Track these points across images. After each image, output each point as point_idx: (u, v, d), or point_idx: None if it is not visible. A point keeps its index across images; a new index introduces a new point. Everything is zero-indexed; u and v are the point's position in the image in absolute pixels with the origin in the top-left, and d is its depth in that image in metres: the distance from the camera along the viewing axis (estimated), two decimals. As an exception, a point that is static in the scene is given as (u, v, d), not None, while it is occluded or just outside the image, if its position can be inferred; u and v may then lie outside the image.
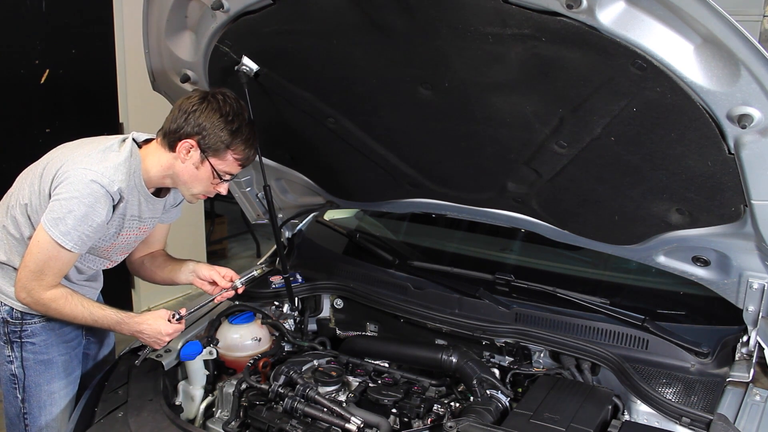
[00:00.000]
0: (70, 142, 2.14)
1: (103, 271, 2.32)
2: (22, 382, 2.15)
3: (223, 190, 2.14)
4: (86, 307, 2.07)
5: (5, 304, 2.10)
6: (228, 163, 2.05)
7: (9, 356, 2.14)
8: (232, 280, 2.29)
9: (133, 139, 2.10)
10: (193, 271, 2.34)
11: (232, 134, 2.01)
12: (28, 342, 2.13)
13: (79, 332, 2.27)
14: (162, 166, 2.07)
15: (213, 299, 2.28)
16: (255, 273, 2.32)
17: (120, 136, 2.12)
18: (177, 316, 2.13)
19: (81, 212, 1.93)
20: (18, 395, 2.16)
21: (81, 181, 1.93)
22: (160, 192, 2.20)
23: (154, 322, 2.11)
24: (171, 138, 2.03)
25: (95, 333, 2.39)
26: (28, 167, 2.13)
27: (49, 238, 1.94)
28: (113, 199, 1.98)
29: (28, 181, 2.07)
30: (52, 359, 2.17)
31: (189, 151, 2.02)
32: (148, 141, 2.12)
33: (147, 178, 2.09)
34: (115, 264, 2.28)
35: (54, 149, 2.13)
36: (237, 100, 2.04)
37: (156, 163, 2.08)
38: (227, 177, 2.10)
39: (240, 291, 2.30)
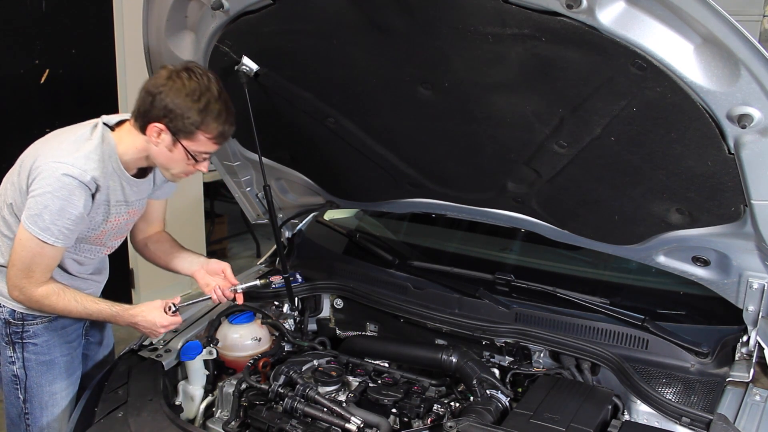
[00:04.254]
0: (45, 135, 2.09)
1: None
2: (23, 382, 2.14)
3: (203, 168, 2.06)
4: (80, 302, 2.05)
5: (6, 306, 2.10)
6: (201, 143, 1.97)
7: (11, 357, 2.13)
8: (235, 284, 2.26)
9: (105, 124, 2.04)
10: (200, 264, 2.29)
11: (201, 113, 1.90)
12: (30, 343, 2.13)
13: (80, 332, 2.26)
14: (137, 148, 2.02)
15: (210, 297, 2.25)
16: (257, 283, 2.28)
17: (92, 122, 2.06)
18: (173, 308, 2.10)
19: (56, 206, 1.90)
20: (20, 395, 2.15)
21: (52, 175, 1.90)
22: (146, 172, 2.15)
23: (149, 314, 2.08)
24: (140, 121, 1.97)
25: (94, 333, 2.39)
26: (12, 166, 2.10)
27: (30, 236, 1.93)
28: (89, 189, 1.94)
29: (10, 180, 2.06)
30: (54, 360, 2.17)
31: (159, 135, 1.95)
32: (122, 122, 2.06)
33: (125, 161, 2.03)
34: (113, 249, 2.25)
35: (31, 144, 2.09)
36: (205, 73, 1.94)
37: (131, 145, 2.02)
38: (204, 156, 2.02)
39: (238, 297, 2.25)
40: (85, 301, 2.07)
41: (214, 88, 1.92)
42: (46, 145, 2.02)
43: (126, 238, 2.31)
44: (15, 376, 2.14)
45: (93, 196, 1.97)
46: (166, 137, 1.95)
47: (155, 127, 1.94)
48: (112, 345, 2.52)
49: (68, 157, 1.93)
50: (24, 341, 2.12)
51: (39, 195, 1.91)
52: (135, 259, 4.76)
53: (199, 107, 1.90)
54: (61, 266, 2.11)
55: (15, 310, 2.09)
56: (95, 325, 2.37)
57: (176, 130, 1.93)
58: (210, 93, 1.91)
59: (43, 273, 2.00)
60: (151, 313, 2.09)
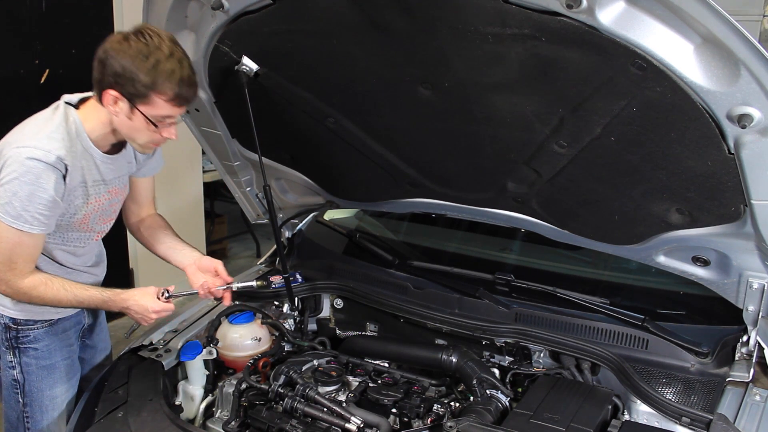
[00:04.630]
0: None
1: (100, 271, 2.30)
2: (24, 386, 2.12)
3: (171, 135, 1.97)
4: (69, 290, 2.00)
5: (5, 315, 2.08)
6: (159, 106, 1.86)
7: (11, 362, 2.11)
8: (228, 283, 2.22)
9: (68, 103, 1.97)
10: (192, 259, 2.24)
11: (150, 73, 1.80)
12: (30, 348, 2.11)
13: (78, 335, 2.25)
14: (102, 122, 1.95)
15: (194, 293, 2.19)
16: (254, 284, 2.24)
17: (54, 104, 2.00)
18: (166, 294, 2.06)
19: (25, 192, 1.84)
20: (20, 399, 2.13)
21: (17, 161, 1.84)
22: (120, 147, 2.08)
23: (141, 299, 2.04)
24: (97, 92, 1.89)
25: (91, 336, 2.36)
26: None
27: (5, 226, 1.87)
28: (57, 169, 1.87)
29: None
30: (55, 364, 2.15)
31: (116, 103, 1.86)
32: (86, 100, 2.00)
33: (94, 138, 1.97)
34: (103, 234, 2.19)
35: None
36: (157, 33, 1.84)
37: (96, 120, 1.96)
38: (168, 121, 1.93)
39: (225, 296, 2.21)
40: (75, 288, 2.02)
41: (165, 47, 1.83)
42: (12, 134, 1.96)
43: (115, 221, 2.23)
44: (15, 381, 2.12)
45: (64, 177, 1.90)
46: (123, 105, 1.87)
47: (110, 94, 1.86)
48: (109, 349, 2.49)
49: (31, 140, 1.87)
50: (24, 346, 2.10)
51: (7, 183, 1.86)
52: (135, 259, 4.76)
53: (147, 68, 1.80)
54: (55, 260, 2.08)
55: (14, 318, 2.08)
56: (93, 329, 2.36)
57: (130, 95, 1.84)
58: (160, 52, 1.82)
59: (26, 263, 1.95)
60: (144, 297, 2.04)
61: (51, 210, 1.91)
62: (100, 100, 1.90)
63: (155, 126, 1.91)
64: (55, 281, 2.01)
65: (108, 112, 1.91)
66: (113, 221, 2.22)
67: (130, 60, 1.80)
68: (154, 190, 2.38)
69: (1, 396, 2.20)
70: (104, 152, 2.03)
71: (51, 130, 1.91)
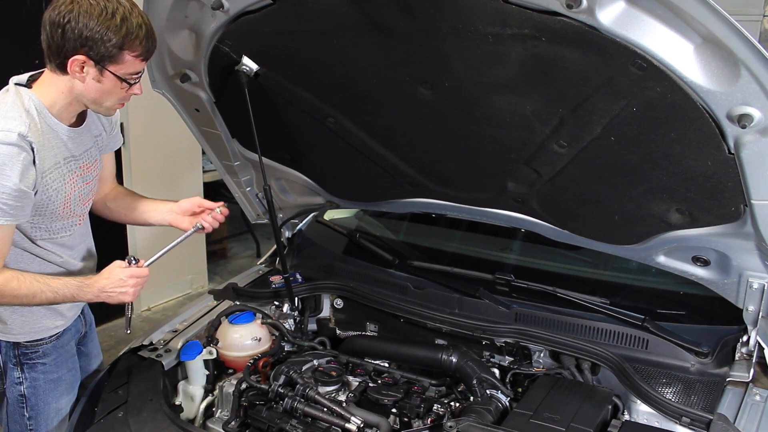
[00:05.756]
0: None
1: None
2: (31, 401, 2.09)
3: (138, 91, 1.91)
4: (42, 281, 1.89)
5: (10, 340, 2.05)
6: (129, 63, 1.80)
7: (18, 378, 2.06)
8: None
9: (17, 83, 1.87)
10: (171, 210, 2.21)
11: (120, 31, 1.73)
12: (39, 363, 2.07)
13: (75, 342, 2.24)
14: (62, 92, 1.85)
15: (179, 242, 2.15)
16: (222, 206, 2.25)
17: (4, 89, 1.90)
18: (133, 260, 1.97)
19: None
20: (25, 413, 2.10)
21: None
22: (83, 120, 2.00)
23: (111, 273, 1.94)
24: (57, 60, 1.78)
25: (86, 343, 2.35)
26: None
27: None
28: (23, 149, 1.76)
29: None
30: (61, 377, 2.13)
31: (83, 68, 1.78)
32: (36, 78, 1.90)
33: (56, 112, 1.87)
34: (84, 216, 2.12)
35: None
36: None
37: (55, 92, 1.85)
38: (136, 78, 1.86)
39: (224, 210, 2.24)
40: (48, 279, 1.91)
41: (123, 1, 1.77)
42: None
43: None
44: (22, 396, 2.08)
45: (33, 162, 1.80)
46: (91, 69, 1.79)
47: (76, 60, 1.76)
48: (101, 355, 2.46)
49: None
50: (33, 362, 2.07)
51: None
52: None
53: (116, 26, 1.73)
54: (51, 257, 2.02)
55: (21, 342, 2.05)
56: (86, 336, 2.34)
57: (99, 57, 1.76)
58: (122, 7, 1.75)
59: None
60: (113, 272, 1.95)
61: (17, 200, 1.78)
62: (61, 68, 1.80)
63: (129, 84, 1.86)
64: (26, 275, 1.90)
65: (66, 81, 1.83)
66: (91, 201, 2.13)
67: (95, 20, 1.72)
68: (114, 164, 2.31)
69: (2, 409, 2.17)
70: (68, 126, 1.94)
71: (5, 110, 1.80)
